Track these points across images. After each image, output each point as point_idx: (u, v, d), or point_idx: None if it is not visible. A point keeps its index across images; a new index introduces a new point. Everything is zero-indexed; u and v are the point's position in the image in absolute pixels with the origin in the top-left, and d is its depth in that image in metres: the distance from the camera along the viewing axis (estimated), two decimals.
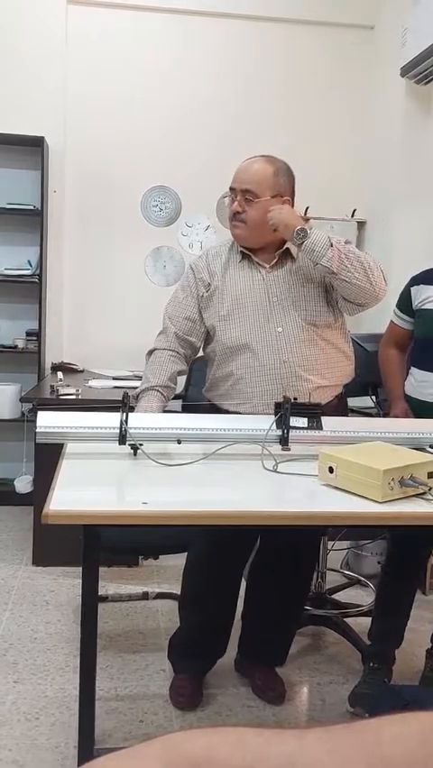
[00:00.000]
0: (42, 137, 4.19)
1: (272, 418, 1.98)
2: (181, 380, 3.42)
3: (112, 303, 4.51)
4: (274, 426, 1.96)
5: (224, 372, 2.29)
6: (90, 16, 4.34)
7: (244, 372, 2.24)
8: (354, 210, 4.58)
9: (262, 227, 2.23)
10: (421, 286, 2.56)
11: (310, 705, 2.47)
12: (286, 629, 2.53)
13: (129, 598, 3.19)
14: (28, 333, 4.38)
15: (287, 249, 2.28)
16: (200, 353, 2.45)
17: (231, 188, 2.29)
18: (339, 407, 2.35)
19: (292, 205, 2.28)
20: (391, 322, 2.67)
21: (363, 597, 3.23)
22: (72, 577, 3.30)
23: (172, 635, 2.50)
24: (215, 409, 2.30)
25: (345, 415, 2.44)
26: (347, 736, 0.50)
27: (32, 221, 4.27)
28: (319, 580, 3.10)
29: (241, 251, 2.31)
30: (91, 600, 1.70)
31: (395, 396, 2.56)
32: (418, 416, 2.42)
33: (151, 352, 2.34)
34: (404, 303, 2.61)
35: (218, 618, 2.39)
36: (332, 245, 2.10)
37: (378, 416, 2.98)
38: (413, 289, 2.58)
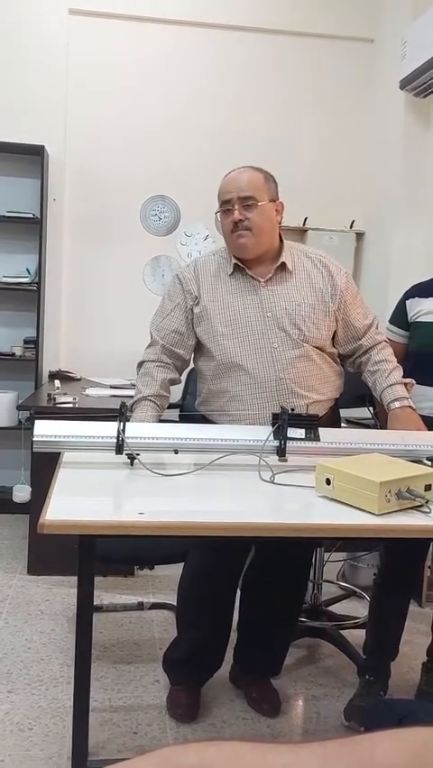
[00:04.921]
0: (43, 146, 4.21)
1: (270, 429, 1.97)
2: (178, 390, 3.42)
3: (110, 311, 4.51)
4: (272, 437, 1.96)
5: (218, 388, 2.25)
6: (91, 27, 4.36)
7: (240, 390, 2.20)
8: (353, 221, 4.60)
9: (267, 232, 2.21)
10: (416, 298, 2.57)
11: (305, 718, 2.46)
12: (281, 640, 2.51)
13: (124, 609, 3.17)
14: (26, 341, 4.38)
15: (283, 262, 2.24)
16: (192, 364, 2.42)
17: (225, 201, 2.21)
18: (332, 419, 2.35)
19: (283, 208, 2.27)
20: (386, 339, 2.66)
21: (359, 609, 3.22)
22: (67, 586, 3.29)
23: (168, 647, 2.48)
24: (209, 424, 2.25)
25: (339, 426, 2.44)
26: (342, 751, 0.50)
27: (31, 229, 4.28)
28: (315, 591, 3.09)
29: (234, 263, 2.25)
30: (86, 610, 1.70)
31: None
32: None
33: (140, 365, 2.32)
34: (399, 317, 2.61)
35: (216, 632, 2.37)
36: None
37: (375, 427, 2.98)
38: (408, 302, 2.58)
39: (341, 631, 2.90)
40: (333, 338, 2.31)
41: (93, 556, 1.65)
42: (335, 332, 2.30)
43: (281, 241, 2.29)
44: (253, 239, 2.20)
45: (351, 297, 2.30)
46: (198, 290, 2.27)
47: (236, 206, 2.19)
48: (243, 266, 2.25)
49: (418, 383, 2.43)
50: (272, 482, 1.79)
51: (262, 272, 2.24)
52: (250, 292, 2.23)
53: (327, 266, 2.30)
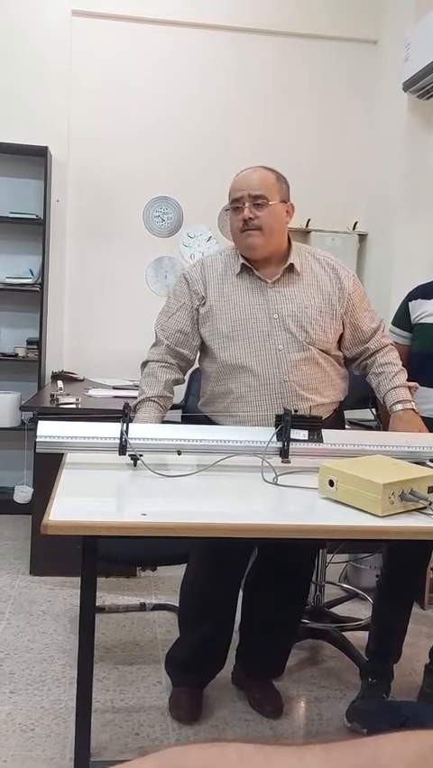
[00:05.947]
0: (46, 147, 4.21)
1: (273, 430, 1.97)
2: (180, 391, 3.42)
3: (112, 312, 4.51)
4: (275, 438, 1.96)
5: (222, 389, 2.25)
6: (95, 28, 4.36)
7: (244, 391, 2.20)
8: (356, 223, 4.59)
9: (276, 232, 2.20)
10: (419, 300, 2.57)
11: (308, 719, 2.46)
12: (283, 641, 2.51)
13: (126, 609, 3.17)
14: (29, 342, 4.39)
15: (291, 263, 2.23)
16: (196, 365, 2.41)
17: (236, 199, 2.20)
18: (336, 421, 2.34)
19: (294, 210, 2.27)
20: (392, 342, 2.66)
21: (362, 610, 3.22)
22: (69, 587, 3.29)
23: (171, 648, 2.48)
24: (212, 425, 2.25)
25: (343, 428, 2.43)
26: (346, 754, 0.50)
27: (34, 230, 4.29)
28: (318, 593, 3.09)
29: (241, 263, 2.23)
30: (89, 611, 1.70)
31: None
32: None
33: (144, 364, 2.31)
34: (402, 318, 2.61)
35: (218, 633, 2.37)
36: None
37: (377, 429, 2.98)
38: (411, 304, 2.58)
39: (343, 633, 2.90)
40: (339, 341, 2.31)
41: (96, 557, 1.65)
42: (341, 335, 2.29)
43: (290, 242, 2.29)
44: (262, 239, 2.18)
45: (358, 301, 2.29)
46: (205, 290, 2.25)
47: (247, 204, 2.17)
48: (250, 266, 2.24)
49: (420, 385, 2.43)
50: (275, 484, 1.79)
51: (270, 273, 2.23)
52: (257, 293, 2.22)
53: (335, 268, 2.29)
